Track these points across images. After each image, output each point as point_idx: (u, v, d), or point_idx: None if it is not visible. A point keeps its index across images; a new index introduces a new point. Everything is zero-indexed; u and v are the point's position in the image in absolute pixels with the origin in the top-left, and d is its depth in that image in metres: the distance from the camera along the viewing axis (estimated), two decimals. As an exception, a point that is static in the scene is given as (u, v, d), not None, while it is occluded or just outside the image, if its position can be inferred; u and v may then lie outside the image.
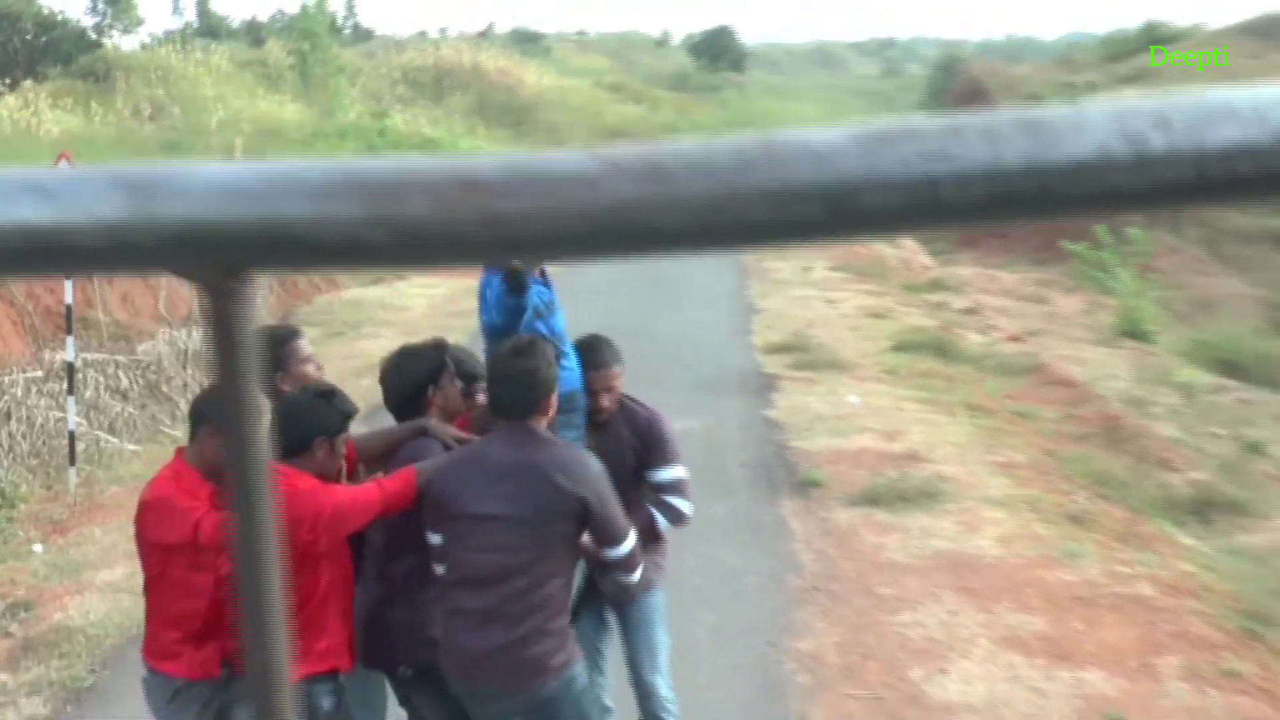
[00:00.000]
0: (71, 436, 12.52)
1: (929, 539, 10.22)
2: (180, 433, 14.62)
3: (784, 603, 9.04)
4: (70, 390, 12.59)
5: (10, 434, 12.18)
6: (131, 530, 11.00)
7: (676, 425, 6.29)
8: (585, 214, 0.54)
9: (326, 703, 5.17)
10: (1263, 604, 9.58)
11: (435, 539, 5.18)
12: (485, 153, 0.56)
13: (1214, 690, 7.77)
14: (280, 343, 5.88)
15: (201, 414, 5.21)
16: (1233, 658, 8.27)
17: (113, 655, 8.71)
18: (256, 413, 0.61)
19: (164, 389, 15.05)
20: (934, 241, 35.61)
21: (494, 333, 5.93)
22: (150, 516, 5.05)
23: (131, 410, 14.29)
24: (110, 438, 13.59)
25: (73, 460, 12.48)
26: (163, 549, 5.03)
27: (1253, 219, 32.58)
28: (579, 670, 5.22)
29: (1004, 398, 15.49)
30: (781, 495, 11.38)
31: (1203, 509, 12.25)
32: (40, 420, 12.61)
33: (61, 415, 12.65)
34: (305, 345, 5.99)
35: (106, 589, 9.80)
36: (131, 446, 13.80)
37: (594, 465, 5.16)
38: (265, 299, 21.82)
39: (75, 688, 8.30)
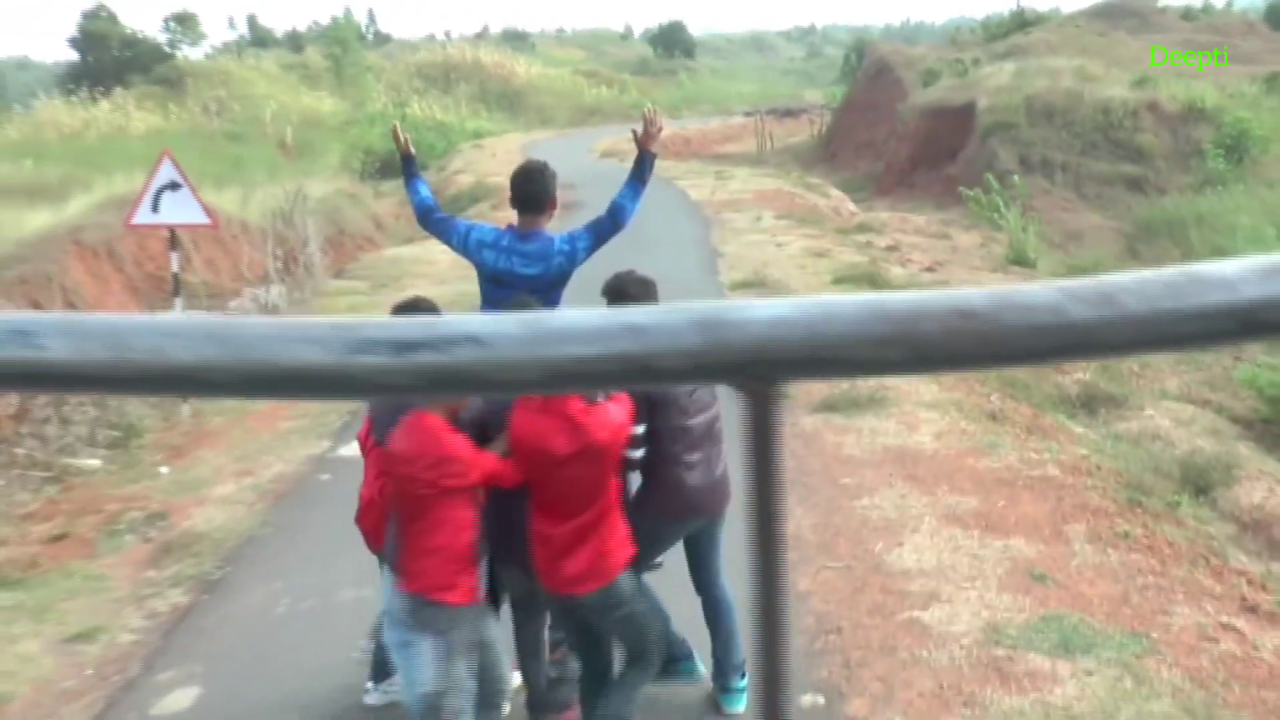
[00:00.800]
0: (183, 379, 12.51)
1: (878, 437, 10.25)
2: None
3: (766, 493, 9.12)
4: (179, 341, 12.56)
5: (134, 379, 12.16)
6: (238, 453, 11.08)
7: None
8: (1052, 333, 0.57)
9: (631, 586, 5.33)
10: (1142, 478, 9.70)
11: (640, 428, 5.34)
12: (976, 288, 0.58)
13: (1112, 550, 7.86)
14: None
15: None
16: (1124, 522, 8.36)
17: (233, 555, 8.76)
18: (783, 491, 0.64)
19: (251, 337, 15.02)
20: (856, 190, 35.55)
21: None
22: (435, 471, 4.93)
23: (226, 355, 14.28)
24: (210, 378, 13.60)
25: (185, 397, 12.47)
26: (447, 493, 4.94)
27: (1107, 165, 32.54)
28: None
29: (925, 319, 15.53)
30: (756, 405, 11.42)
31: (1088, 403, 12.37)
32: (156, 366, 12.59)
33: (173, 361, 12.63)
34: None
35: (222, 502, 9.84)
36: (228, 384, 13.81)
37: None
38: (321, 258, 21.68)
39: (206, 581, 8.35)
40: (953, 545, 7.88)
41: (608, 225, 6.22)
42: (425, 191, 6.61)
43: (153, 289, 18.43)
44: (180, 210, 12.09)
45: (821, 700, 6.09)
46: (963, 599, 7.07)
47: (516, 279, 6.00)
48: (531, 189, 6.20)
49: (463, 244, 6.28)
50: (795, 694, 6.16)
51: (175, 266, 12.66)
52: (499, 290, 6.01)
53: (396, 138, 6.87)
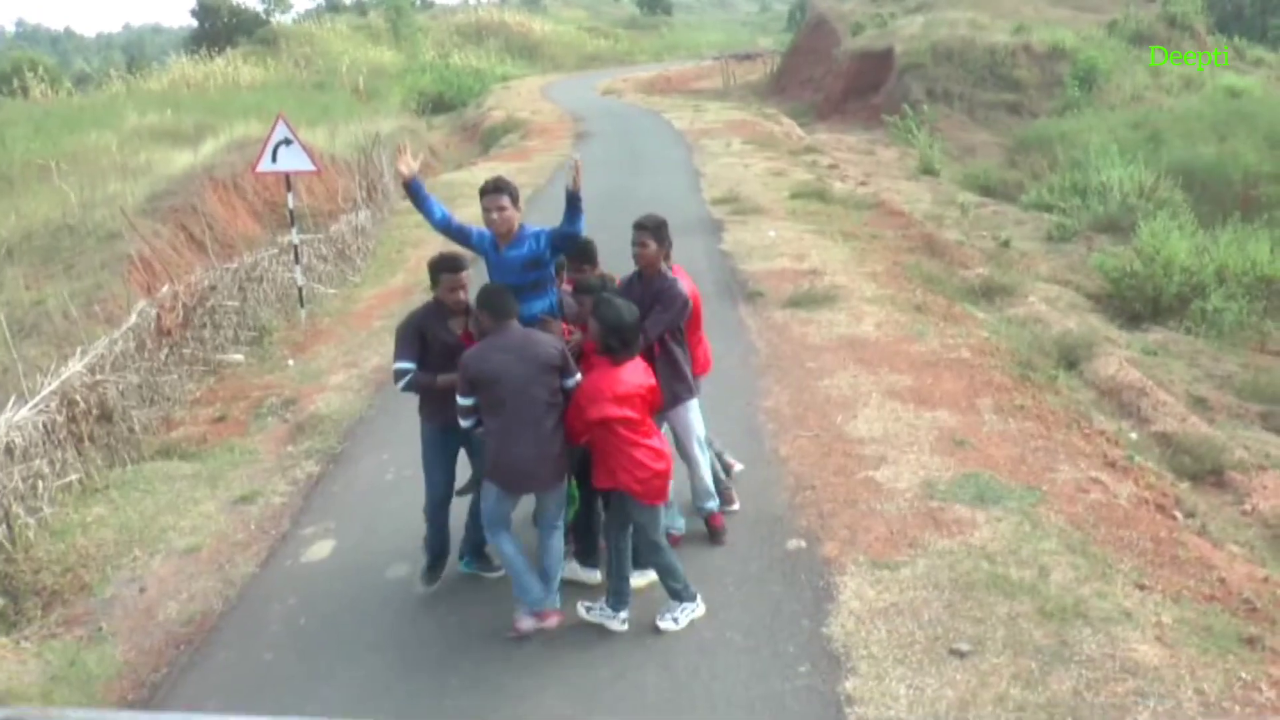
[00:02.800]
0: (300, 290, 12.45)
1: (834, 327, 10.16)
2: (358, 279, 14.50)
3: (751, 375, 9.07)
4: (296, 260, 12.48)
5: (265, 290, 12.07)
6: (344, 347, 11.00)
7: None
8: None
9: None
10: (1030, 356, 9.65)
11: None
12: None
13: (1011, 419, 7.87)
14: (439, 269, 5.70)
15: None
16: (1019, 396, 8.35)
17: (350, 432, 8.78)
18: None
19: (347, 253, 14.87)
20: (801, 116, 34.95)
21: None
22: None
23: (330, 268, 14.15)
24: (319, 286, 13.50)
25: (302, 303, 12.42)
26: None
27: (993, 94, 32.22)
28: None
29: (863, 226, 15.35)
30: (739, 302, 11.31)
31: (987, 293, 12.22)
32: (280, 279, 12.49)
33: (291, 275, 12.54)
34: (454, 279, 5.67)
35: (337, 389, 9.82)
36: (331, 290, 13.71)
37: None
38: (392, 178, 21.28)
39: (331, 454, 8.38)
40: (894, 416, 7.89)
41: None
42: (439, 210, 5.82)
43: (269, 213, 18.21)
44: (293, 160, 11.93)
45: (804, 544, 6.17)
46: (905, 461, 7.12)
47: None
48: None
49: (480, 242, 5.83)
50: (783, 539, 6.25)
51: (290, 204, 12.54)
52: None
53: (403, 158, 5.77)
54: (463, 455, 5.95)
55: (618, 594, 5.47)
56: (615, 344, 5.22)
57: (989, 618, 5.28)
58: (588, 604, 5.54)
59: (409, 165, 5.75)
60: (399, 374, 5.62)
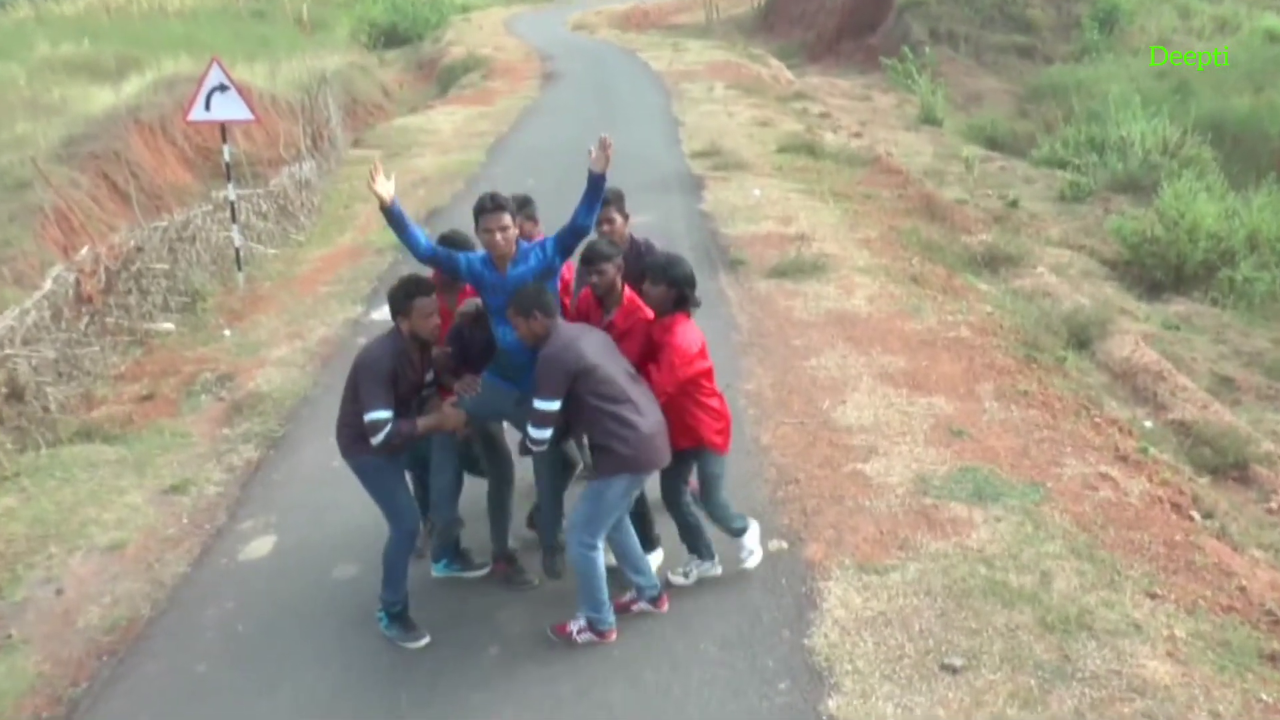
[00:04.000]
0: (238, 251, 12.36)
1: (821, 301, 10.19)
2: (303, 238, 14.40)
3: (732, 354, 9.06)
4: (233, 218, 12.38)
5: (198, 250, 11.95)
6: (287, 316, 10.95)
7: (640, 220, 6.16)
8: None
9: None
10: (1035, 335, 9.69)
11: None
12: None
13: (1014, 406, 7.94)
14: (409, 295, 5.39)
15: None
16: (1023, 380, 8.42)
17: (292, 413, 8.75)
18: None
19: (289, 209, 14.74)
20: (790, 56, 34.85)
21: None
22: None
23: (270, 226, 14.04)
24: (258, 246, 13.39)
25: (239, 266, 12.34)
26: None
27: (1003, 36, 32.18)
28: None
29: (856, 184, 15.32)
30: (719, 271, 11.29)
31: (990, 262, 12.27)
32: (215, 239, 12.37)
33: (228, 234, 12.43)
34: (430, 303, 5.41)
35: (279, 363, 9.77)
36: (272, 251, 13.61)
37: None
38: (339, 123, 21.07)
39: (272, 437, 8.35)
40: (886, 403, 7.94)
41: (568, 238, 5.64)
42: (424, 239, 5.56)
43: (203, 161, 18.03)
44: (229, 108, 11.80)
45: (785, 545, 6.22)
46: (896, 453, 7.18)
47: None
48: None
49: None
50: (763, 539, 6.30)
51: (227, 156, 12.42)
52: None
53: (377, 178, 5.38)
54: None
55: (704, 546, 5.97)
56: (690, 293, 5.57)
57: (985, 629, 5.36)
58: (682, 570, 5.94)
59: (387, 187, 5.40)
60: (376, 425, 5.28)
